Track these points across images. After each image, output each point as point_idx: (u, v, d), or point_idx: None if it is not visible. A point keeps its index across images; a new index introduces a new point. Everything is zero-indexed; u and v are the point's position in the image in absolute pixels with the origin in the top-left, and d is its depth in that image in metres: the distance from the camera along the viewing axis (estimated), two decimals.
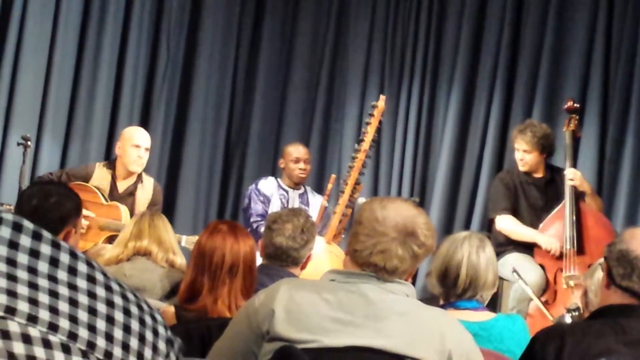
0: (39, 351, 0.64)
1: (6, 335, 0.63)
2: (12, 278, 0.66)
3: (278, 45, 7.07)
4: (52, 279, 0.69)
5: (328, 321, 1.80)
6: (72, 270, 0.70)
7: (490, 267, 2.62)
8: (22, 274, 0.68)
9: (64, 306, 0.68)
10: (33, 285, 0.67)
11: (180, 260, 3.52)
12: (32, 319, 0.65)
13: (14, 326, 0.63)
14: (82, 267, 0.72)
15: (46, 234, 0.71)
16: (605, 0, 5.92)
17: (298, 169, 5.31)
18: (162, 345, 0.72)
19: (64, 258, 0.71)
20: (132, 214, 4.71)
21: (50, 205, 2.54)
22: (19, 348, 0.63)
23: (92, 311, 0.69)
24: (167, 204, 6.26)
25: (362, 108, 6.60)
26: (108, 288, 0.72)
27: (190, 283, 2.58)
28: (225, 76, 6.87)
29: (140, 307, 0.73)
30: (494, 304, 5.07)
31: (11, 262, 0.68)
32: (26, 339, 0.63)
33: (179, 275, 3.38)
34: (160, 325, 0.73)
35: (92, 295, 0.69)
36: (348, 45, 6.88)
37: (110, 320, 0.69)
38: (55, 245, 0.72)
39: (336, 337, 1.79)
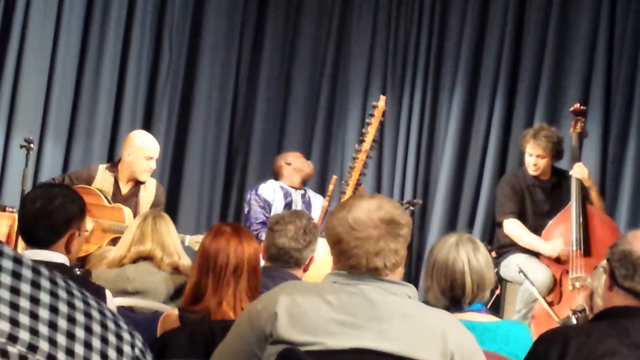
0: None
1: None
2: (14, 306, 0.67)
3: (280, 46, 7.07)
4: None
5: (331, 323, 1.80)
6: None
7: (490, 266, 2.58)
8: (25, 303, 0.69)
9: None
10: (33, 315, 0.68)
11: (186, 261, 3.52)
12: (32, 348, 0.66)
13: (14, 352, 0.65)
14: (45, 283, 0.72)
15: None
16: (608, 0, 5.92)
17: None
18: (127, 348, 0.72)
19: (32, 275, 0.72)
20: (135, 215, 4.72)
21: (55, 208, 2.53)
22: None
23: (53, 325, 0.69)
24: (170, 205, 6.27)
25: (364, 109, 6.60)
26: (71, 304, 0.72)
27: (194, 285, 2.58)
28: (227, 77, 6.88)
29: (102, 312, 0.72)
30: (497, 307, 5.06)
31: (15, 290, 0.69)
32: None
33: (183, 278, 3.38)
34: (124, 331, 0.73)
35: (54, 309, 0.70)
36: (350, 46, 6.88)
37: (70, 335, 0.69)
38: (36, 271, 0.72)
39: (339, 339, 1.79)
